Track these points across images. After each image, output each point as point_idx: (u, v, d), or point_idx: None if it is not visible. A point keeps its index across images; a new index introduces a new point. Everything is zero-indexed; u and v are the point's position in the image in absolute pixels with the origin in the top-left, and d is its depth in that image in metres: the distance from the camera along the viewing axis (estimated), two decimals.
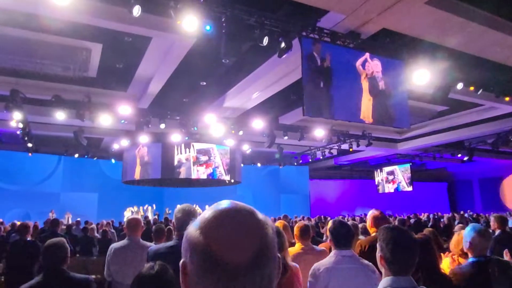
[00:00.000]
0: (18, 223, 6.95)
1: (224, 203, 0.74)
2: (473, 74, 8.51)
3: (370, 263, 2.40)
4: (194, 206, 14.18)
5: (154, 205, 16.48)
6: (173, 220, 2.55)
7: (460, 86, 8.28)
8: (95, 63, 8.98)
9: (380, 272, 1.72)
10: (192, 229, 0.71)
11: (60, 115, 9.58)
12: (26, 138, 12.17)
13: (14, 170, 15.65)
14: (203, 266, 0.66)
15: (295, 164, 18.55)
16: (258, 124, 11.19)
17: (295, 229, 3.43)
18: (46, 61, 8.80)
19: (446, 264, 3.06)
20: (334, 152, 15.07)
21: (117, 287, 3.27)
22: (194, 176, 15.11)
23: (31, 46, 8.08)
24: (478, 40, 7.20)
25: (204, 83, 10.29)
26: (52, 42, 7.98)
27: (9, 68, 9.01)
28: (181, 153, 14.97)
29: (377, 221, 3.23)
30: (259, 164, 19.18)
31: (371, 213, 3.38)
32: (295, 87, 9.29)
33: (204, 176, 15.33)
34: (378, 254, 1.67)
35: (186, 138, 13.22)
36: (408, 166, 20.35)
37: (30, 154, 14.37)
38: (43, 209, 14.58)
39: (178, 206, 2.58)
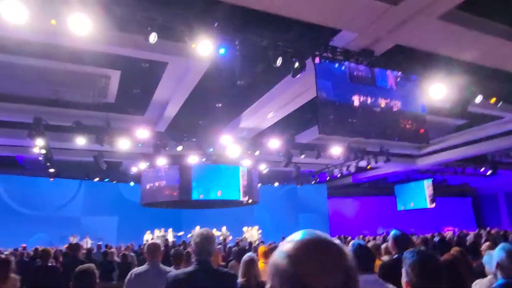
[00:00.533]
0: (40, 248, 7.07)
1: (310, 232, 0.77)
2: (492, 86, 8.35)
3: (392, 285, 2.31)
4: (213, 230, 14.16)
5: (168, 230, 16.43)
6: (192, 245, 2.53)
7: (479, 99, 8.12)
8: (114, 89, 9.23)
9: None
10: (279, 257, 0.74)
11: (80, 141, 9.81)
12: (48, 164, 12.48)
13: (36, 196, 15.97)
14: None
15: (313, 182, 18.36)
16: (274, 143, 11.19)
17: None
18: (67, 89, 9.11)
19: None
20: (352, 169, 14.88)
21: None
22: (214, 197, 15.11)
23: (52, 75, 8.39)
24: (494, 52, 7.10)
25: (220, 105, 10.42)
26: (72, 71, 8.27)
27: (32, 97, 9.35)
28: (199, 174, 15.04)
29: (398, 242, 3.13)
30: (276, 184, 19.07)
31: (392, 233, 3.28)
32: (310, 106, 9.29)
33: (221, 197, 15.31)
34: (403, 279, 1.61)
35: (203, 159, 13.31)
36: (430, 181, 19.86)
37: (51, 179, 14.69)
38: (65, 234, 14.78)
39: (196, 231, 2.56)
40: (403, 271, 1.62)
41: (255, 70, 8.00)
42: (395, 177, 20.46)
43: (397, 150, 14.08)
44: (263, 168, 15.57)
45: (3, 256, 6.28)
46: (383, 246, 5.34)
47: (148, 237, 15.40)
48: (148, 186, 15.88)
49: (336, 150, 11.98)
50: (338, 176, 16.17)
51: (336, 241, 0.76)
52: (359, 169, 15.07)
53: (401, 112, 7.09)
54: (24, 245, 11.79)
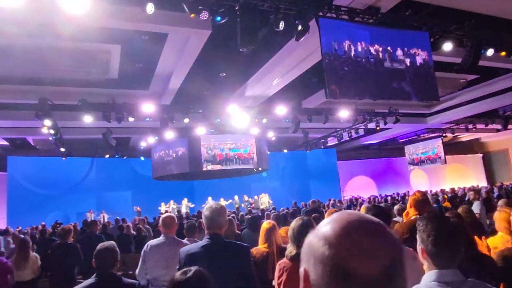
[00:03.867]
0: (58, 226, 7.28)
1: (351, 213, 0.72)
2: (503, 39, 8.02)
3: (410, 249, 2.27)
4: (221, 200, 14.33)
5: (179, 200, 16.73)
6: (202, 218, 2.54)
7: (490, 52, 7.83)
8: (116, 64, 9.10)
9: None
10: (316, 238, 0.69)
11: (87, 118, 9.82)
12: (58, 143, 12.61)
13: (50, 176, 16.29)
14: (331, 276, 0.64)
15: (322, 147, 18.32)
16: (281, 110, 11.08)
17: (326, 216, 3.36)
18: (69, 68, 9.00)
19: (495, 243, 2.91)
20: (361, 132, 14.76)
21: (152, 283, 3.34)
22: (219, 167, 15.25)
23: (53, 55, 8.27)
24: (506, 2, 6.75)
25: (224, 74, 10.26)
26: (73, 48, 8.14)
27: (35, 77, 9.29)
28: (207, 145, 15.12)
29: (418, 204, 3.05)
30: (285, 150, 19.08)
31: (413, 195, 3.20)
32: (316, 70, 9.09)
33: (231, 166, 15.43)
34: (418, 246, 1.58)
35: (211, 130, 13.29)
36: (440, 140, 19.68)
37: (64, 158, 14.90)
38: (81, 210, 15.18)
39: (206, 204, 2.56)
40: (418, 237, 1.59)
41: (258, 36, 7.77)
42: (405, 137, 20.30)
43: (407, 110, 13.86)
44: (271, 135, 15.54)
45: (22, 236, 6.50)
46: (396, 207, 5.34)
47: (163, 209, 15.74)
48: (158, 160, 16.07)
49: (344, 113, 11.83)
50: (347, 139, 16.08)
51: (380, 222, 0.70)
52: (368, 131, 14.94)
53: (410, 69, 6.88)
54: (43, 223, 12.14)
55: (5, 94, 9.80)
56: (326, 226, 0.70)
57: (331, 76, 6.19)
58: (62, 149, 13.56)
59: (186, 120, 10.91)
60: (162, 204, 16.43)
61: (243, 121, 11.51)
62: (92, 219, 12.99)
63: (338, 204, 12.37)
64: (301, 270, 0.70)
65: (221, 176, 17.01)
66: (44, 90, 9.57)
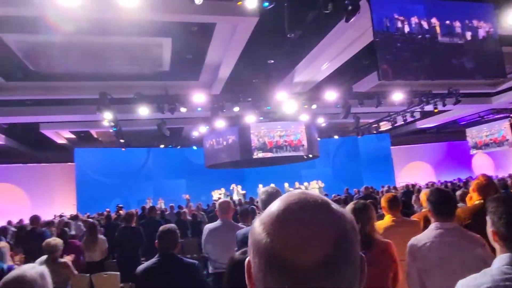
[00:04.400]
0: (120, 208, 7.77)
1: (293, 195, 0.63)
2: None
3: (478, 235, 2.13)
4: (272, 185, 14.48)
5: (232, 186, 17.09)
6: (258, 202, 2.57)
7: None
8: (167, 57, 9.43)
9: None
10: (257, 224, 0.61)
11: (143, 110, 10.29)
12: (118, 135, 13.40)
13: (112, 165, 17.42)
14: (266, 267, 0.57)
15: (374, 132, 17.70)
16: (331, 95, 10.83)
17: (382, 200, 3.25)
18: (125, 62, 9.49)
19: None
20: (417, 115, 14.01)
21: (212, 264, 3.48)
22: (270, 154, 15.34)
23: (110, 51, 8.76)
24: None
25: (272, 61, 10.22)
26: (128, 44, 8.55)
27: (95, 73, 9.91)
28: (257, 133, 15.25)
29: (482, 189, 2.85)
30: (336, 136, 18.70)
31: (476, 179, 2.99)
32: (368, 51, 8.75)
33: (282, 154, 15.46)
34: (489, 229, 1.47)
35: (261, 118, 13.36)
36: (506, 121, 18.16)
37: (123, 149, 15.83)
38: (140, 197, 16.08)
39: (262, 188, 2.59)
40: (488, 219, 1.48)
41: (305, 20, 7.62)
42: (467, 119, 18.96)
43: (468, 90, 12.90)
44: (321, 121, 15.28)
45: (90, 220, 7.05)
46: (458, 193, 5.04)
47: (216, 196, 16.23)
48: (209, 149, 16.51)
49: (398, 96, 11.28)
50: (402, 123, 15.37)
51: (324, 204, 0.61)
52: (425, 114, 14.16)
53: (472, 45, 6.37)
54: (108, 209, 13.05)
55: (70, 90, 10.56)
56: (268, 210, 0.62)
57: (383, 56, 5.93)
58: (122, 140, 14.39)
59: (236, 109, 11.06)
60: (216, 191, 16.97)
61: (293, 108, 11.43)
62: (150, 205, 13.72)
63: (393, 191, 11.93)
64: (246, 261, 0.63)
65: (271, 163, 17.10)
66: (103, 85, 10.17)
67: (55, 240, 3.73)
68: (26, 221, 8.79)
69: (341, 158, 19.82)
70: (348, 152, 20.03)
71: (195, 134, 15.87)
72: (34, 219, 5.64)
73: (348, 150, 20.04)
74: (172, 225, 2.75)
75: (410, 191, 10.45)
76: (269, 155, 15.41)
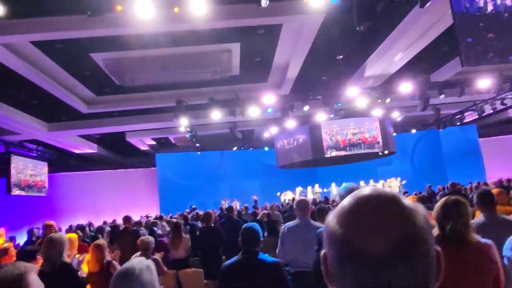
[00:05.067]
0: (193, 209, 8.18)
1: (365, 189, 0.67)
2: None
3: None
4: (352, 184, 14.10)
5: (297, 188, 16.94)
6: (338, 199, 2.53)
7: None
8: (236, 61, 9.70)
9: None
10: (330, 218, 0.66)
11: (216, 115, 10.72)
12: (194, 140, 14.12)
13: (189, 168, 18.42)
14: (341, 256, 0.61)
15: (458, 124, 16.28)
16: (407, 87, 10.21)
17: (475, 196, 2.98)
18: (198, 70, 9.97)
19: None
20: (508, 102, 12.59)
21: (292, 264, 3.49)
22: (344, 153, 14.95)
23: (184, 60, 9.27)
24: None
25: (341, 57, 9.97)
26: (199, 52, 8.98)
27: (171, 83, 10.56)
28: (329, 132, 15.00)
29: None
30: (413, 131, 17.58)
31: None
32: (446, 37, 8.11)
33: (356, 151, 15.00)
34: None
35: (332, 115, 13.11)
36: None
37: (199, 152, 16.64)
38: (216, 199, 16.74)
39: (343, 184, 2.53)
40: None
41: (375, 11, 7.30)
42: None
43: None
44: (397, 115, 14.50)
45: (174, 220, 7.51)
46: None
47: (282, 198, 16.29)
48: (281, 149, 16.62)
49: (485, 82, 10.25)
50: (491, 112, 13.93)
51: (394, 196, 0.63)
52: None
53: None
54: (188, 210, 13.80)
55: (150, 100, 11.41)
56: (342, 204, 0.66)
57: (464, 40, 5.44)
58: (197, 144, 15.13)
59: (306, 108, 10.98)
60: (288, 192, 17.01)
61: (365, 103, 11.01)
62: (228, 206, 14.24)
63: (484, 187, 10.86)
64: (321, 253, 0.66)
65: (345, 161, 16.67)
66: (179, 93, 10.82)
67: (148, 238, 4.06)
68: (119, 221, 9.67)
69: (420, 154, 18.59)
70: (428, 147, 18.71)
71: (266, 135, 16.09)
72: (126, 219, 6.19)
73: (428, 144, 18.72)
74: (254, 224, 2.82)
75: (505, 186, 9.43)
76: (343, 153, 15.04)
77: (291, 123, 12.91)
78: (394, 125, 16.19)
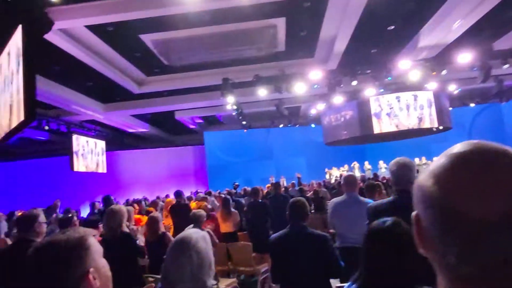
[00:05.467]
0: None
1: (467, 143, 0.59)
2: None
3: None
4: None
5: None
6: (387, 175, 2.47)
7: None
8: (282, 37, 9.54)
9: None
10: (424, 178, 0.58)
11: (262, 92, 10.72)
12: (240, 117, 14.28)
13: (236, 146, 18.75)
14: (440, 221, 0.54)
15: None
16: (465, 57, 9.52)
17: None
18: (243, 47, 9.95)
19: None
20: None
21: (339, 239, 3.49)
22: (393, 129, 14.36)
23: (230, 38, 9.28)
24: None
25: (392, 27, 9.44)
26: (245, 29, 8.92)
27: (217, 61, 10.66)
28: (378, 107, 14.45)
29: None
30: (472, 104, 16.45)
31: None
32: (510, 1, 7.37)
33: (406, 127, 14.36)
34: None
35: (381, 90, 12.60)
36: None
37: (245, 130, 16.83)
38: (263, 176, 16.96)
39: (394, 160, 2.46)
40: None
41: None
42: None
43: None
44: (453, 88, 13.60)
45: (223, 196, 7.73)
46: None
47: (335, 173, 16.08)
48: (328, 126, 16.34)
49: None
50: None
51: (507, 151, 0.54)
52: None
53: None
54: (237, 183, 14.19)
55: (198, 79, 11.62)
56: (437, 162, 0.58)
57: None
58: (244, 122, 15.29)
59: (354, 83, 10.64)
60: (334, 168, 16.81)
61: (418, 76, 10.43)
62: (275, 182, 14.38)
63: None
64: (413, 215, 0.60)
65: (395, 138, 16.07)
66: (225, 71, 10.92)
67: (200, 212, 4.25)
68: (171, 196, 10.15)
69: (480, 129, 17.40)
70: (489, 122, 17.46)
71: (313, 111, 15.86)
72: (178, 194, 6.48)
73: (488, 119, 17.47)
74: (301, 198, 2.84)
75: None
76: (393, 129, 14.47)
77: (338, 99, 12.60)
78: (451, 99, 15.24)
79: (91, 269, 0.98)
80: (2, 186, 18.29)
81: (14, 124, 5.71)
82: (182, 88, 12.21)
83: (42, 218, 2.69)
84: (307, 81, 10.49)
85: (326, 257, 2.51)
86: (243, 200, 8.21)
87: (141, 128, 17.10)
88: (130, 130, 17.44)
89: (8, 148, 17.98)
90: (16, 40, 5.50)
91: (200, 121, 18.64)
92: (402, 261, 1.46)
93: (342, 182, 3.64)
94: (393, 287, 1.44)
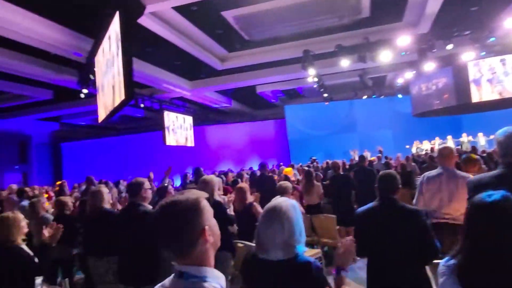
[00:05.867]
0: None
1: None
2: None
3: None
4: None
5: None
6: (490, 148, 2.24)
7: None
8: (366, 1, 8.96)
9: None
10: None
11: (344, 62, 10.30)
12: (321, 90, 13.97)
13: (317, 119, 18.51)
14: None
15: None
16: None
17: None
18: (324, 17, 9.59)
19: None
20: None
21: (432, 214, 3.30)
22: (495, 97, 12.80)
23: (309, 8, 9.00)
24: None
25: None
26: None
27: (298, 33, 10.46)
28: (477, 72, 12.97)
29: None
30: None
31: None
32: None
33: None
34: None
35: (482, 53, 11.22)
36: None
37: (326, 103, 16.46)
38: (345, 149, 16.57)
39: (501, 129, 2.21)
40: None
41: None
42: None
43: None
44: None
45: (306, 168, 7.79)
46: None
47: (425, 147, 15.00)
48: (418, 96, 15.21)
49: None
50: None
51: None
52: None
53: None
54: (314, 157, 14.12)
55: (278, 52, 11.57)
56: None
57: None
58: (325, 95, 14.95)
59: (449, 47, 9.64)
60: (425, 142, 15.66)
61: None
62: (356, 157, 13.99)
63: None
64: None
65: (496, 107, 14.32)
66: (306, 43, 10.68)
67: (286, 183, 4.36)
68: (254, 168, 10.49)
69: None
70: None
71: (399, 81, 14.82)
72: (263, 166, 6.70)
73: None
74: (391, 171, 2.72)
75: None
76: (495, 97, 12.91)
77: (430, 66, 11.55)
78: None
79: (206, 227, 1.10)
80: (108, 158, 20.75)
81: (117, 102, 6.37)
82: (263, 62, 12.29)
83: (147, 185, 3.01)
84: (394, 48, 9.78)
85: (419, 234, 2.38)
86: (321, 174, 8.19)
87: (224, 103, 17.78)
88: (215, 106, 18.24)
89: (112, 124, 20.22)
90: (115, 25, 6.04)
91: (281, 95, 18.70)
92: (509, 238, 1.35)
93: (436, 155, 3.40)
94: (497, 266, 1.34)
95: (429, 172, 3.46)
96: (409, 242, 2.37)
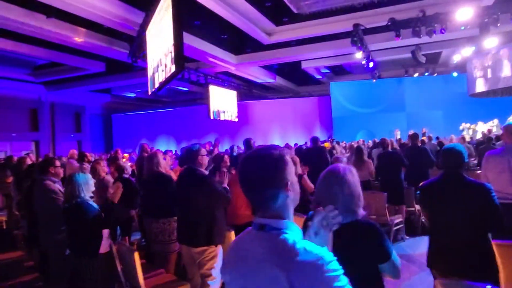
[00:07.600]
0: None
1: None
2: None
3: None
4: None
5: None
6: None
7: None
8: None
9: None
10: None
11: (396, 37, 9.80)
12: (369, 66, 13.43)
13: (363, 97, 17.97)
14: None
15: None
16: None
17: None
18: None
19: None
20: None
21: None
22: None
23: None
24: None
25: None
26: None
27: (348, 6, 10.05)
28: None
29: None
30: None
31: None
32: None
33: None
34: None
35: None
36: None
37: (374, 80, 15.87)
38: (391, 128, 16.01)
39: None
40: None
41: None
42: None
43: None
44: None
45: (356, 145, 7.67)
46: None
47: (481, 128, 14.13)
48: (476, 74, 14.23)
49: None
50: None
51: None
52: None
53: None
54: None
55: (326, 27, 11.21)
56: None
57: None
58: (374, 72, 14.39)
59: None
60: (479, 122, 14.74)
61: None
62: (398, 137, 13.52)
63: None
64: None
65: None
66: (357, 16, 10.25)
67: (341, 157, 4.34)
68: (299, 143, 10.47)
69: None
70: None
71: (456, 58, 13.92)
72: (314, 140, 6.81)
73: None
74: (457, 144, 2.61)
75: None
76: None
77: (492, 42, 10.73)
78: None
79: (289, 182, 1.13)
80: (155, 130, 21.57)
81: (167, 75, 6.55)
82: (311, 37, 12.00)
83: (203, 151, 3.13)
84: (452, 22, 9.16)
85: (487, 208, 2.29)
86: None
87: (269, 78, 17.68)
88: (259, 81, 18.20)
89: (159, 97, 20.85)
90: None
91: (327, 71, 18.26)
92: None
93: (502, 133, 3.20)
94: None
95: (493, 150, 3.30)
96: (476, 216, 2.29)
